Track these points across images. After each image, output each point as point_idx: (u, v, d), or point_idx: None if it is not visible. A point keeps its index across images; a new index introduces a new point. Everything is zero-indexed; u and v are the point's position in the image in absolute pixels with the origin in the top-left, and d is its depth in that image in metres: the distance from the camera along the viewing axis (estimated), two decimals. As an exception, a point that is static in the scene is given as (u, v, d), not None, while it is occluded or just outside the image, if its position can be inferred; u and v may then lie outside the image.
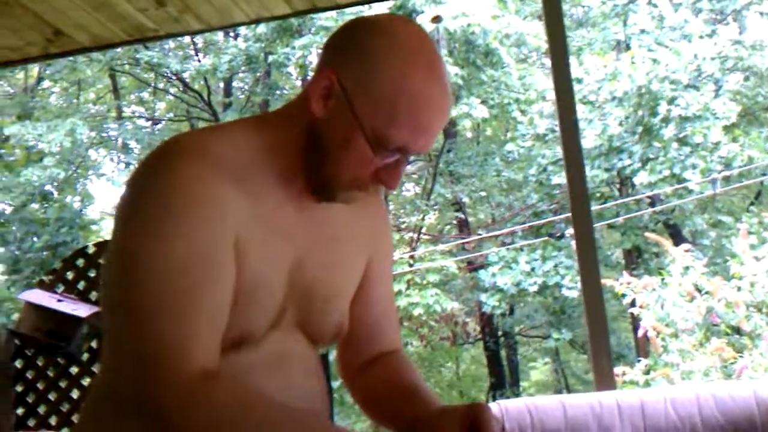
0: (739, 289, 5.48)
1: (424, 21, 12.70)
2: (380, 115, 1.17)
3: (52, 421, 3.45)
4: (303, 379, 1.28)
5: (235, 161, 1.22)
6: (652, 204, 13.91)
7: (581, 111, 12.62)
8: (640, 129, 12.81)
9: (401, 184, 18.11)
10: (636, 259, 14.50)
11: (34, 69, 16.57)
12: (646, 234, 9.89)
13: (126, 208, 1.18)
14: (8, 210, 15.37)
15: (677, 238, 12.82)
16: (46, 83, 17.85)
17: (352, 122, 1.18)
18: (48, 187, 15.31)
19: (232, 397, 1.10)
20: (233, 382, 1.13)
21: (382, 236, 1.48)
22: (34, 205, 15.49)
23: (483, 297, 13.70)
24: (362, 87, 1.18)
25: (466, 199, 16.15)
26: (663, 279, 5.79)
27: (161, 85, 17.60)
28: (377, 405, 1.42)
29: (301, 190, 1.27)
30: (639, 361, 5.89)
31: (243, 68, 14.66)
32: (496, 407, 2.43)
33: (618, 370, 5.58)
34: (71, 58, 12.58)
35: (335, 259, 1.34)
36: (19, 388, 3.46)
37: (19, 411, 3.45)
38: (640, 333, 5.88)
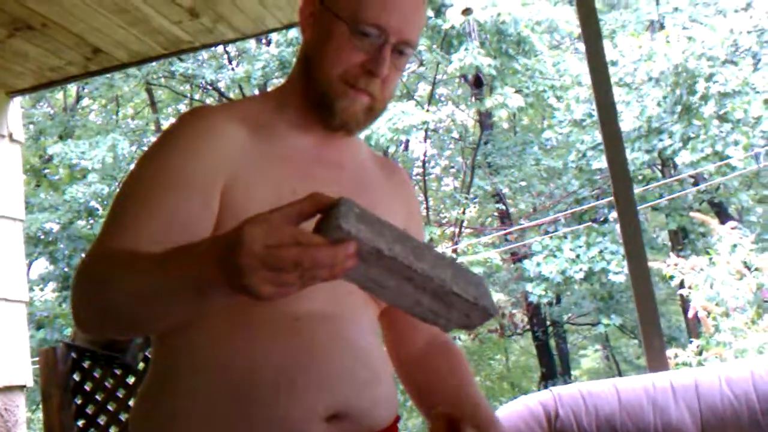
0: (790, 263, 5.40)
1: (454, 14, 12.68)
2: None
3: (113, 430, 3.51)
4: (356, 335, 1.27)
5: (250, 112, 1.31)
6: (696, 183, 13.72)
7: (618, 93, 12.48)
8: (679, 108, 12.63)
9: (439, 179, 18.10)
10: (682, 240, 14.32)
11: (73, 88, 16.85)
12: (691, 213, 9.77)
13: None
14: (55, 228, 15.64)
15: (723, 216, 12.62)
16: (85, 101, 18.14)
17: (331, 19, 1.26)
18: (93, 204, 15.56)
19: (111, 260, 1.12)
20: (126, 251, 1.13)
21: (414, 210, 1.52)
22: (81, 222, 15.75)
23: (529, 287, 13.63)
24: None
25: (506, 190, 16.07)
26: (711, 258, 5.71)
27: (197, 96, 17.79)
28: (428, 403, 1.42)
29: (320, 138, 1.33)
30: (691, 342, 5.82)
31: (276, 74, 14.75)
32: (549, 394, 2.43)
33: (670, 352, 5.52)
34: (108, 75, 12.76)
35: (374, 205, 1.35)
36: (78, 401, 3.52)
37: (80, 423, 3.52)
38: (691, 314, 5.81)
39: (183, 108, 18.52)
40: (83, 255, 1.19)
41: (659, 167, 14.85)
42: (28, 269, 15.59)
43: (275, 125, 1.31)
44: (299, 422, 1.17)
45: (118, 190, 1.28)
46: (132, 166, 1.27)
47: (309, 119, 1.32)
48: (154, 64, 13.25)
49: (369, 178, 1.40)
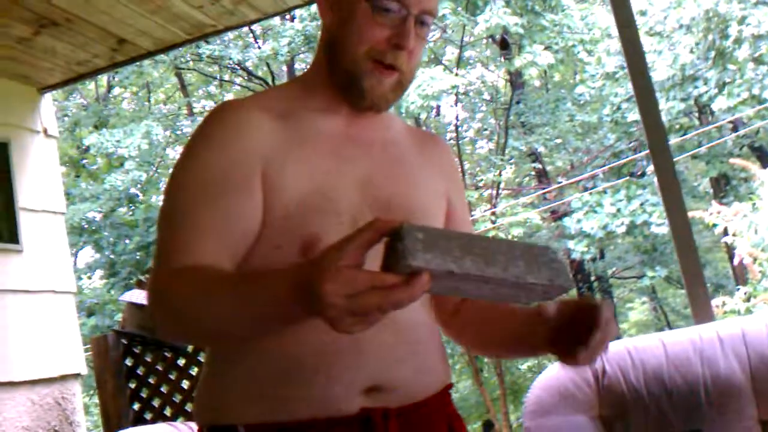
0: (835, 204, 5.31)
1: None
2: None
3: (167, 412, 3.59)
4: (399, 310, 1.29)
5: (276, 101, 1.33)
6: (735, 129, 13.48)
7: (649, 43, 12.27)
8: (712, 54, 12.39)
9: (473, 142, 18.00)
10: (724, 187, 14.12)
11: (104, 78, 16.99)
12: (731, 160, 9.61)
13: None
14: (98, 217, 15.88)
15: (765, 160, 12.41)
16: (116, 90, 18.30)
17: (351, 0, 1.28)
18: (133, 190, 15.75)
19: (186, 282, 1.14)
20: (196, 270, 1.16)
21: (455, 178, 1.52)
22: (122, 209, 15.97)
23: (570, 244, 13.56)
24: None
25: (541, 149, 15.94)
26: (754, 204, 5.63)
27: (226, 77, 17.84)
28: (474, 327, 1.44)
29: (348, 118, 1.34)
30: (738, 289, 5.76)
31: (303, 49, 14.72)
32: (595, 352, 2.42)
33: (718, 300, 5.48)
34: (137, 63, 12.85)
35: (409, 177, 1.38)
36: (132, 385, 3.60)
37: (135, 407, 3.60)
38: (736, 261, 5.75)
39: (213, 89, 18.63)
40: (152, 271, 1.23)
41: (696, 115, 14.60)
42: (75, 258, 15.87)
43: (302, 111, 1.32)
44: (337, 400, 1.21)
45: (164, 197, 1.29)
46: (173, 161, 1.30)
47: (336, 102, 1.33)
48: (181, 49, 13.31)
49: (401, 153, 1.40)
